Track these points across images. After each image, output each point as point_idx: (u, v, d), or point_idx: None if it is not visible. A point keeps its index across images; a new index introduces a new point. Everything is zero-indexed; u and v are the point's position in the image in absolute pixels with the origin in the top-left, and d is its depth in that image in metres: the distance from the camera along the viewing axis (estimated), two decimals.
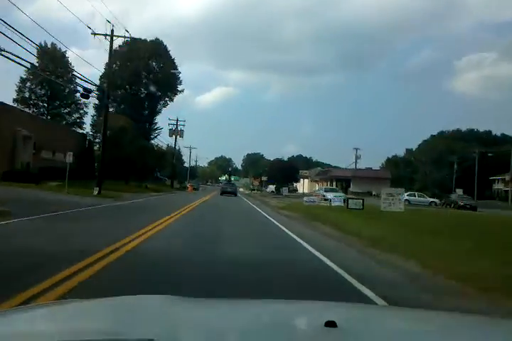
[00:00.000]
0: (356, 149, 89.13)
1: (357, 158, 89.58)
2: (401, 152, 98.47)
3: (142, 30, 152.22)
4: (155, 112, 63.10)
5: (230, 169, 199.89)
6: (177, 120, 60.92)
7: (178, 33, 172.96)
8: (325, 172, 75.23)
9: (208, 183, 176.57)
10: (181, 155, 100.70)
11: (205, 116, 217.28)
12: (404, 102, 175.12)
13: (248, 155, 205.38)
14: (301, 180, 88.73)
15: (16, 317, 1.75)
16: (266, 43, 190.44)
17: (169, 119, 61.10)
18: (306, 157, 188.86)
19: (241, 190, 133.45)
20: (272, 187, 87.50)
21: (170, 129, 60.55)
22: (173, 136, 60.83)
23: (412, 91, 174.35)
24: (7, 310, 2.58)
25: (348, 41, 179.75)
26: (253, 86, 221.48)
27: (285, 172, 62.77)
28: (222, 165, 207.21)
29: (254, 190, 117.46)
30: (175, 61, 63.88)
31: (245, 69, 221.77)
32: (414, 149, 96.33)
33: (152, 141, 59.69)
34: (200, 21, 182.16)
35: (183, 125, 61.22)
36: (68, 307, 2.00)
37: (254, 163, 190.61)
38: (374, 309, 2.87)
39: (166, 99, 64.17)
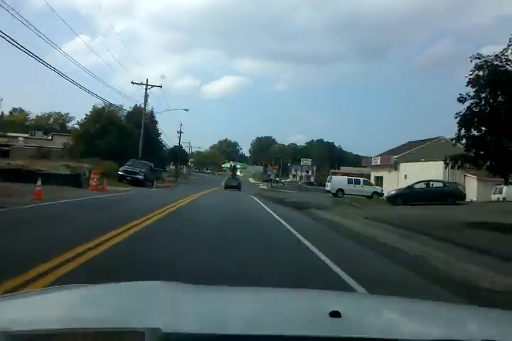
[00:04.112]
0: None
1: None
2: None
3: (153, 18, 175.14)
4: None
5: (235, 156, 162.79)
6: None
7: (190, 23, 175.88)
8: None
9: (208, 171, 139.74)
10: (154, 121, 53.90)
11: (213, 103, 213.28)
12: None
13: (258, 139, 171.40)
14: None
15: (14, 303, 1.67)
16: (278, 32, 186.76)
17: None
18: (328, 142, 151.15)
19: (251, 180, 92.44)
20: (341, 179, 40.90)
21: None
22: None
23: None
24: (4, 296, 2.16)
25: (360, 30, 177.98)
26: (265, 73, 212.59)
27: None
28: (227, 150, 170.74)
29: (271, 180, 67.70)
30: None
31: (256, 57, 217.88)
32: None
33: None
34: (211, 10, 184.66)
35: None
36: (67, 293, 1.91)
37: (264, 148, 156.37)
38: (377, 299, 2.57)
39: None
